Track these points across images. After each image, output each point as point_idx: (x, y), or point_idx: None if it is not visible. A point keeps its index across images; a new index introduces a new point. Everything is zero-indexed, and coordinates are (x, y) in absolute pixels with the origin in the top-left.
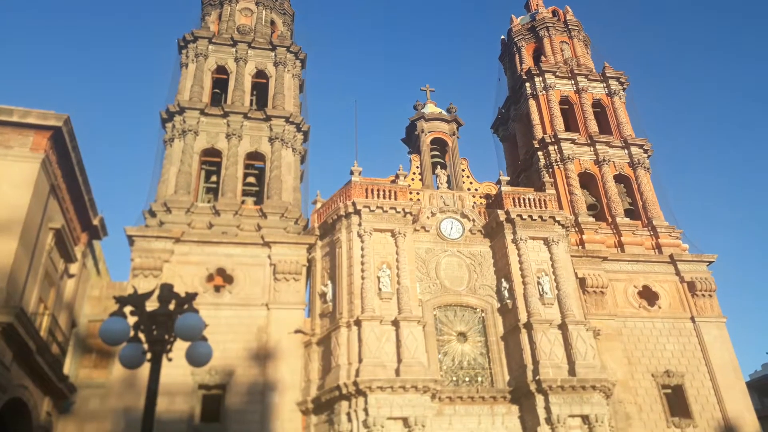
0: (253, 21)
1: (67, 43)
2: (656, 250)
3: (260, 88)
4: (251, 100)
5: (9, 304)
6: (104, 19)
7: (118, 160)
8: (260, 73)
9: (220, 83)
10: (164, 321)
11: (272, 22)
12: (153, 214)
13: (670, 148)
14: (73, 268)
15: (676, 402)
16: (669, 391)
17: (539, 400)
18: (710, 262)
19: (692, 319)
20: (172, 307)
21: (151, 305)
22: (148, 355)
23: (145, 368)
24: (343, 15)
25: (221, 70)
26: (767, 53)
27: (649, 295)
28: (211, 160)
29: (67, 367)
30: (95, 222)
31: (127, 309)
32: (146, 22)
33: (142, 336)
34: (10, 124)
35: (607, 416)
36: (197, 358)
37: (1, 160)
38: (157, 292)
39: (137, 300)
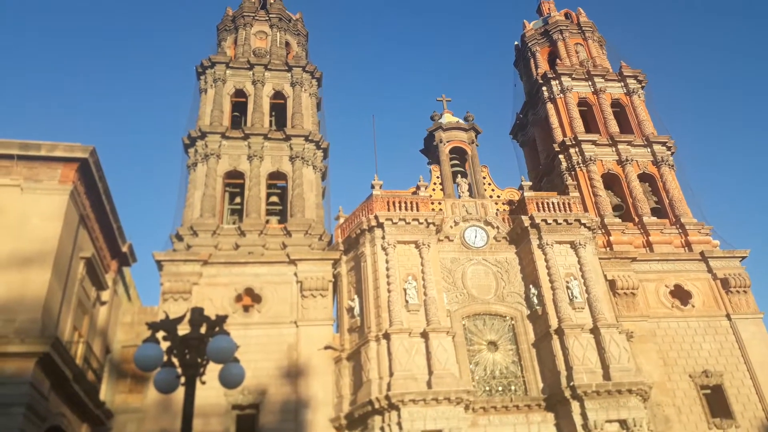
0: (269, 43)
1: (88, 74)
2: (686, 248)
3: (278, 109)
4: (270, 121)
5: (45, 334)
6: (124, 49)
7: (143, 186)
8: (278, 94)
9: (239, 106)
10: (196, 344)
11: (287, 44)
12: (180, 238)
13: (694, 143)
14: (105, 295)
15: (716, 402)
16: (708, 391)
17: (575, 406)
18: (743, 258)
19: (728, 316)
20: (203, 330)
21: (183, 329)
22: (182, 379)
23: (180, 391)
24: (355, 30)
25: (239, 93)
26: None
27: (681, 294)
28: (234, 182)
29: (103, 393)
30: (124, 249)
31: (160, 334)
32: (164, 50)
33: (175, 360)
34: (39, 159)
35: (645, 420)
36: (230, 379)
37: (31, 193)
38: (188, 316)
39: (169, 325)
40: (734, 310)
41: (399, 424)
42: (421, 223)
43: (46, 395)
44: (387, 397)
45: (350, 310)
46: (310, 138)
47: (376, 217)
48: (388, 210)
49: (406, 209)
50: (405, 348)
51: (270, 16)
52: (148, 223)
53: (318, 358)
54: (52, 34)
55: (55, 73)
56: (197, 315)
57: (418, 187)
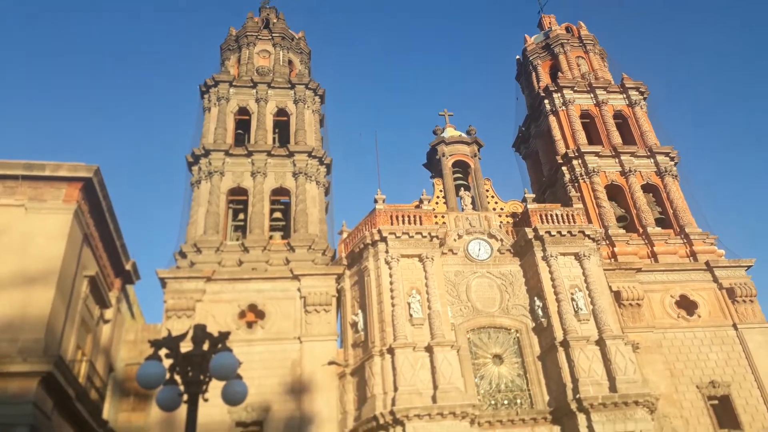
0: (271, 62)
1: (93, 93)
2: (691, 258)
3: (282, 126)
4: (274, 138)
5: (48, 353)
6: (128, 68)
7: (147, 204)
8: (281, 112)
9: (243, 124)
10: (199, 362)
11: (290, 62)
12: (183, 255)
13: (698, 153)
14: (108, 313)
15: (724, 413)
16: (716, 402)
17: (581, 419)
18: (749, 267)
19: (734, 326)
20: (206, 347)
21: (186, 346)
22: (185, 397)
23: (183, 409)
24: (358, 47)
25: (243, 111)
26: None
27: (687, 305)
28: (238, 199)
29: (106, 412)
30: (128, 267)
31: (162, 352)
32: (168, 70)
33: (178, 378)
34: (43, 179)
35: None
36: (233, 396)
37: (36, 213)
38: (190, 334)
39: (171, 343)
40: (741, 319)
41: None
42: (425, 237)
43: (49, 415)
44: (392, 413)
45: (354, 324)
46: (313, 154)
47: (379, 231)
48: (392, 224)
49: (409, 223)
50: (409, 362)
51: (273, 35)
52: (151, 241)
53: (322, 373)
54: (57, 52)
55: (59, 90)
56: (200, 332)
57: (421, 201)
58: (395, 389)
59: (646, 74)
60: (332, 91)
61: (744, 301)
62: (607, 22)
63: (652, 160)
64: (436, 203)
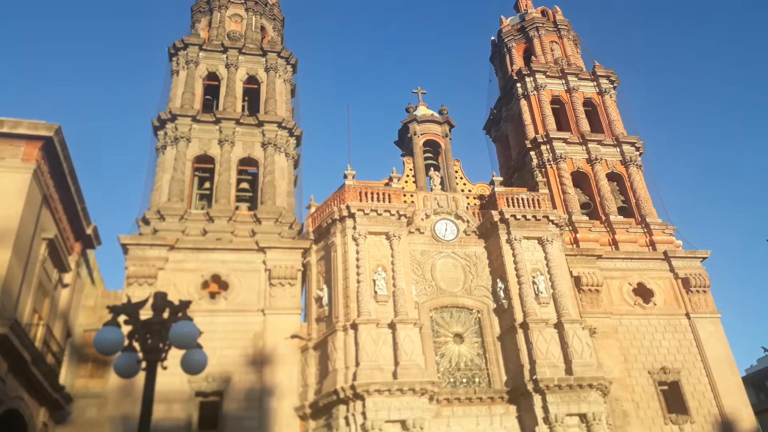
0: (243, 27)
1: (57, 52)
2: (650, 247)
3: (252, 94)
4: (243, 106)
5: (3, 315)
6: (94, 27)
7: (110, 168)
8: (251, 79)
9: (212, 90)
10: (159, 329)
11: (262, 28)
12: (147, 222)
13: (661, 144)
14: (67, 277)
15: (673, 398)
16: (666, 387)
17: (537, 399)
18: (704, 258)
19: (687, 315)
20: (166, 315)
21: (146, 314)
22: (143, 364)
23: (142, 376)
24: (333, 19)
25: (212, 76)
26: (758, 46)
27: (644, 293)
28: (204, 167)
29: (63, 377)
30: (89, 231)
31: (122, 318)
32: (136, 30)
33: (136, 345)
34: (1, 135)
35: (604, 414)
36: (192, 365)
37: None
38: (150, 301)
39: (131, 309)
40: (693, 309)
41: (363, 413)
42: (393, 215)
43: (3, 378)
44: (352, 387)
45: (319, 299)
46: (283, 125)
47: (348, 207)
48: (361, 200)
49: (378, 200)
50: (372, 338)
51: None
52: (115, 207)
53: (284, 346)
54: (16, 11)
55: (18, 47)
56: (160, 299)
57: (390, 179)
58: (357, 364)
59: (617, 64)
60: (305, 62)
61: (698, 291)
62: (582, 8)
63: (618, 150)
64: (406, 182)
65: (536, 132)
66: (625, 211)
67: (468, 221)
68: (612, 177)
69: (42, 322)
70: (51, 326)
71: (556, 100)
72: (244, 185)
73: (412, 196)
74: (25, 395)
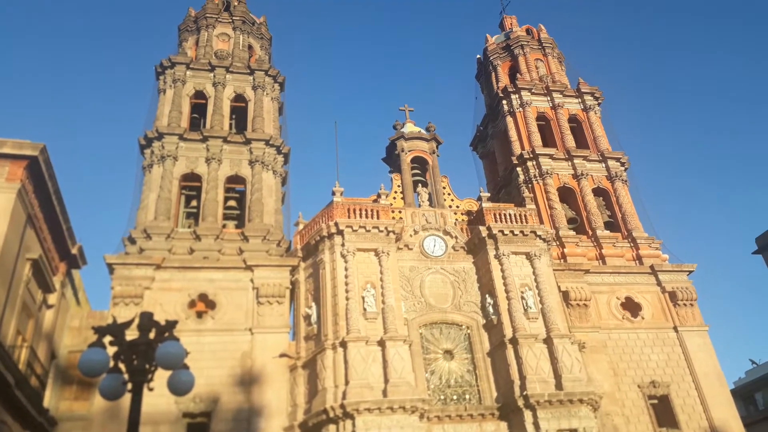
0: (231, 46)
1: (43, 70)
2: (637, 262)
3: (239, 112)
4: (231, 124)
5: None
6: (81, 46)
7: (96, 187)
8: (239, 97)
9: (199, 108)
10: (145, 350)
11: (250, 47)
12: (133, 241)
13: (647, 159)
14: (52, 298)
15: (663, 412)
16: (656, 401)
17: (527, 415)
18: (690, 272)
19: (675, 328)
20: (152, 335)
21: (132, 334)
22: (129, 386)
23: (128, 398)
24: (321, 38)
25: (199, 95)
26: (740, 58)
27: (631, 307)
28: (191, 185)
29: (48, 400)
30: (74, 251)
31: (107, 339)
32: (123, 49)
33: (122, 366)
34: None
35: (595, 429)
36: (179, 386)
37: None
38: (136, 321)
39: (116, 329)
40: (681, 322)
41: None
42: (381, 231)
43: None
44: (342, 406)
45: (307, 317)
46: (270, 142)
47: (336, 224)
48: (349, 217)
49: (366, 217)
50: (361, 356)
51: (233, 18)
52: (100, 226)
53: (273, 366)
54: (3, 24)
55: (5, 66)
56: (146, 320)
57: (379, 195)
58: (346, 383)
59: (600, 79)
60: (292, 80)
61: (685, 305)
62: (566, 26)
63: (604, 165)
64: (394, 198)
65: (522, 148)
66: (611, 225)
67: (456, 237)
68: (598, 192)
69: (26, 343)
70: (35, 348)
71: (541, 117)
72: (232, 203)
73: (400, 212)
74: (8, 419)
